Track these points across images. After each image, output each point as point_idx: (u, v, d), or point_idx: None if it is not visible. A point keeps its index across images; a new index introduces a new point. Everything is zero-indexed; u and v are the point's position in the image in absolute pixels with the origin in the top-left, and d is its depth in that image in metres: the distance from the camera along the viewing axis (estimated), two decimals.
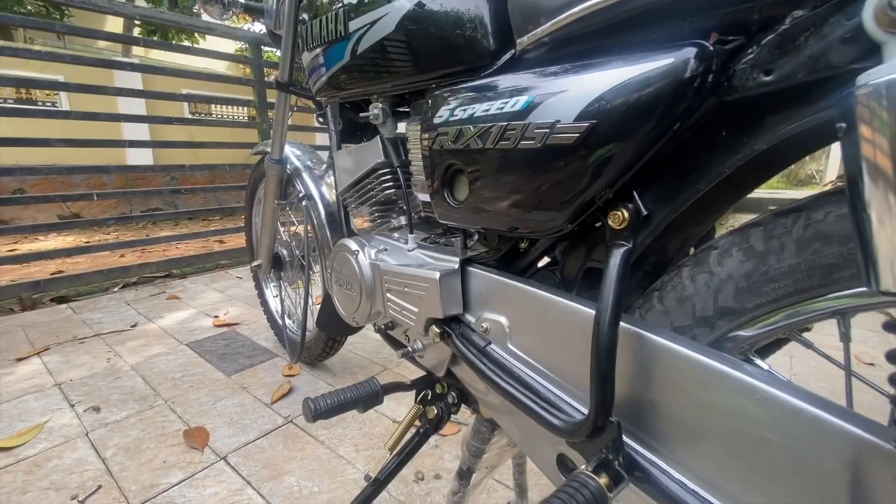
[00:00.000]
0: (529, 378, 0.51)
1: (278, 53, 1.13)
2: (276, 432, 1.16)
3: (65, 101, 6.28)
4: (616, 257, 0.41)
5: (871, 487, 0.29)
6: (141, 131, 6.50)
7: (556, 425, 0.44)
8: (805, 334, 0.43)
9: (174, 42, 7.61)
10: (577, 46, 0.43)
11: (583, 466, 0.40)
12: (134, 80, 6.06)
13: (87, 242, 2.82)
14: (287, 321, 1.55)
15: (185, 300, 2.19)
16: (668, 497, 0.38)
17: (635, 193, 0.41)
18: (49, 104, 6.35)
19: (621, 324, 0.41)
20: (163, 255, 3.12)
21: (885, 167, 0.24)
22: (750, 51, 0.33)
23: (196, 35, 8.25)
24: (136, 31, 7.98)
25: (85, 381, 1.40)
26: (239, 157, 3.47)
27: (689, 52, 0.33)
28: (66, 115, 2.16)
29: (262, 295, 1.65)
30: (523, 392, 0.50)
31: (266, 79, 3.26)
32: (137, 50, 8.60)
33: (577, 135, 0.39)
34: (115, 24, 8.19)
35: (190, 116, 7.09)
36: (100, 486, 0.97)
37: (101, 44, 8.14)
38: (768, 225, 0.38)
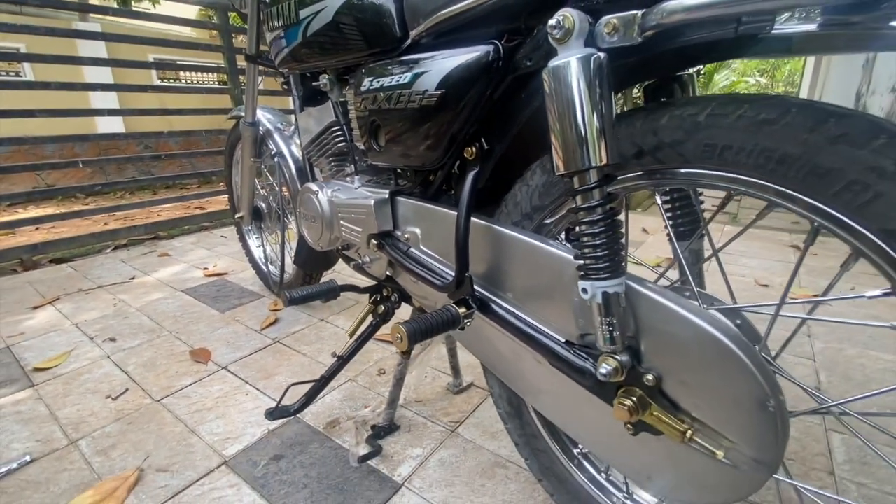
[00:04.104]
0: (430, 263, 0.77)
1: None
2: (266, 349, 1.42)
3: (28, 71, 6.13)
4: (469, 177, 0.66)
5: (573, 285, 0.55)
6: (109, 100, 6.41)
7: (439, 285, 0.70)
8: None
9: (133, 7, 7.35)
10: (442, 38, 0.66)
11: (450, 303, 0.66)
12: (97, 48, 5.93)
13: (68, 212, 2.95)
14: (270, 268, 1.79)
15: (176, 257, 2.40)
16: (498, 317, 0.64)
17: (480, 136, 0.66)
18: (13, 74, 6.19)
19: (473, 219, 0.66)
20: (146, 221, 3.28)
21: (552, 112, 0.48)
22: (523, 48, 0.56)
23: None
24: None
25: (98, 321, 1.64)
26: (213, 123, 3.57)
27: (489, 47, 0.57)
28: (46, 85, 2.27)
29: (245, 245, 1.88)
30: (425, 272, 0.76)
31: (233, 42, 3.33)
32: (94, 14, 8.25)
33: (436, 99, 0.63)
34: None
35: (159, 83, 6.98)
36: (127, 389, 1.23)
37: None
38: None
